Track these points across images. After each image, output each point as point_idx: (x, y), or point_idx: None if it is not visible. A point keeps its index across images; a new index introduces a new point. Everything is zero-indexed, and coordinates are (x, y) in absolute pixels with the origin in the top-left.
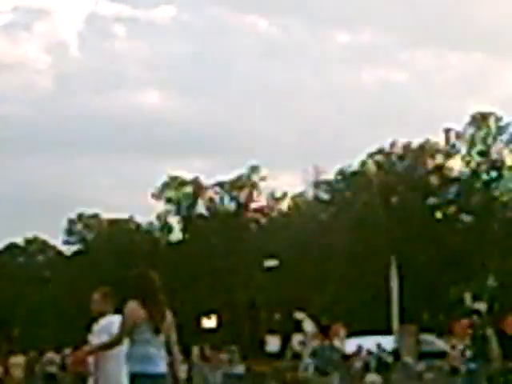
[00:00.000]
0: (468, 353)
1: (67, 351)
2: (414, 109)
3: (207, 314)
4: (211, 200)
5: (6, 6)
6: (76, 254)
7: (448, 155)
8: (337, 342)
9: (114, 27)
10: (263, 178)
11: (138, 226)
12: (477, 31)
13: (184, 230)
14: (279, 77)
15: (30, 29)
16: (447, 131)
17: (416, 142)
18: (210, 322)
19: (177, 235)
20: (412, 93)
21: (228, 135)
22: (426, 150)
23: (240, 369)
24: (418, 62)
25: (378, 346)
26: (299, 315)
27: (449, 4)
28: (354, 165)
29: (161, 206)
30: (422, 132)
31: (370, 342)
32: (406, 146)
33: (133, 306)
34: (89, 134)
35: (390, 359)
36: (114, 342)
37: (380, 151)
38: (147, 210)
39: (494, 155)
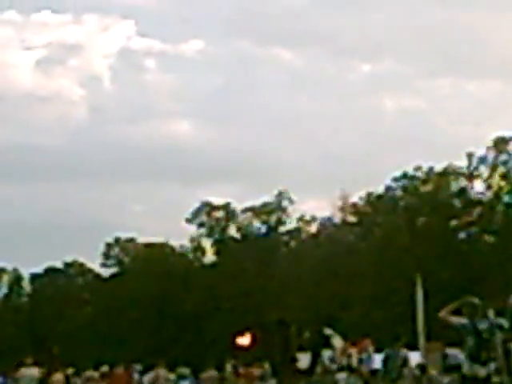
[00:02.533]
0: (491, 366)
1: (104, 368)
2: (435, 134)
3: (240, 333)
4: (242, 224)
5: (42, 41)
6: (113, 276)
7: (470, 178)
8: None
9: (144, 61)
10: (291, 202)
11: (173, 249)
12: (492, 59)
13: (217, 253)
14: (304, 105)
15: (65, 63)
16: (470, 155)
17: (439, 166)
18: (243, 340)
19: (210, 258)
20: (432, 119)
21: (256, 162)
22: (448, 173)
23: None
24: (437, 89)
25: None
26: (328, 331)
27: (464, 34)
28: (380, 189)
29: (194, 230)
30: (444, 156)
31: None
32: (430, 170)
33: None
34: (122, 162)
35: (417, 372)
36: None
37: (404, 175)
38: (181, 234)
39: None
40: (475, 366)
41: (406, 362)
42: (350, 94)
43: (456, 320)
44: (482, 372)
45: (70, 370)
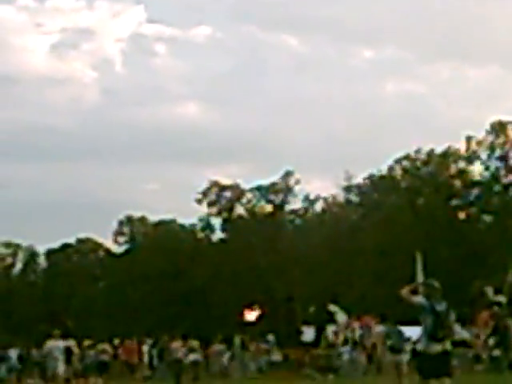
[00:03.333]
0: (491, 341)
1: (116, 342)
2: (436, 118)
3: (247, 306)
4: (250, 203)
5: (55, 26)
6: (125, 253)
7: (469, 160)
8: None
9: (154, 45)
10: (297, 182)
11: (182, 227)
12: (493, 44)
13: (225, 230)
14: (309, 89)
15: (78, 47)
16: (468, 138)
17: (439, 149)
18: (250, 316)
19: (218, 235)
20: (433, 103)
21: (263, 143)
22: (448, 155)
23: (278, 357)
24: (438, 74)
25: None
26: (332, 307)
27: (465, 20)
28: (382, 169)
29: (203, 209)
30: (445, 139)
31: None
32: (430, 152)
33: None
34: (133, 142)
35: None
36: None
37: (406, 157)
38: (190, 213)
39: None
40: (432, 343)
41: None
42: (353, 78)
43: (417, 299)
44: (438, 348)
45: (87, 342)
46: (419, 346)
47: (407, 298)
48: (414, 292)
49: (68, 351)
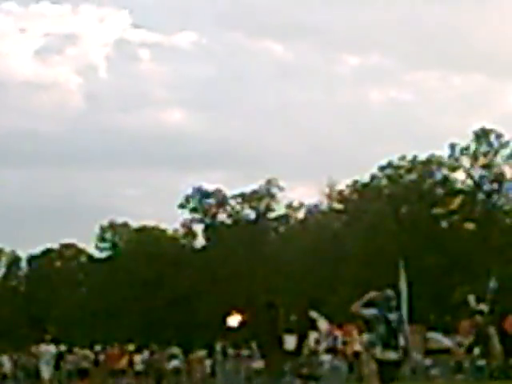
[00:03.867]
0: (476, 350)
1: (97, 348)
2: (419, 126)
3: (228, 313)
4: (233, 209)
5: (40, 31)
6: (107, 258)
7: (453, 168)
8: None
9: (139, 51)
10: (281, 189)
11: (165, 233)
12: (477, 53)
13: (207, 237)
14: (294, 96)
15: (62, 52)
16: (452, 146)
17: (423, 156)
18: (232, 321)
19: (201, 242)
20: (417, 111)
21: (246, 150)
22: (432, 163)
23: (260, 364)
24: (422, 82)
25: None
26: (314, 314)
27: (450, 28)
28: (365, 177)
29: (185, 215)
30: (428, 147)
31: None
32: (414, 160)
33: None
34: (117, 148)
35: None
36: None
37: (389, 164)
38: (173, 220)
39: (495, 168)
40: (386, 351)
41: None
42: (338, 86)
43: (367, 312)
44: (393, 356)
45: (63, 347)
46: (376, 354)
47: (357, 312)
48: (371, 304)
49: (59, 356)
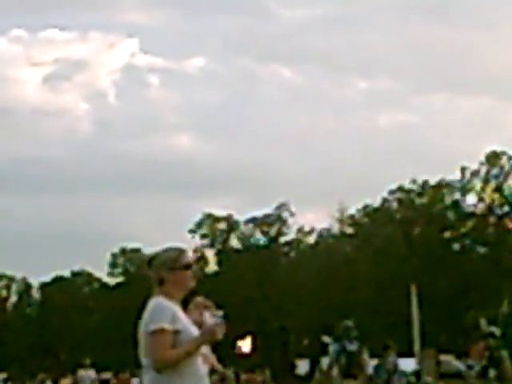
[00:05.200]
0: (491, 373)
1: (107, 375)
2: (429, 148)
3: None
4: (244, 235)
5: (48, 58)
6: (119, 285)
7: (464, 191)
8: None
9: (148, 77)
10: (292, 214)
11: None
12: (486, 76)
13: (219, 263)
14: (303, 121)
15: (71, 79)
16: (463, 169)
17: (434, 180)
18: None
19: (212, 267)
20: (427, 134)
21: (255, 174)
22: (443, 186)
23: None
24: (431, 105)
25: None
26: (326, 339)
27: (459, 52)
28: (377, 201)
29: (196, 241)
30: (439, 170)
31: None
32: (424, 184)
33: None
34: (127, 174)
35: (412, 379)
36: None
37: (400, 188)
38: (184, 245)
39: (506, 191)
40: (346, 380)
41: (395, 368)
42: (347, 110)
43: (331, 348)
44: None
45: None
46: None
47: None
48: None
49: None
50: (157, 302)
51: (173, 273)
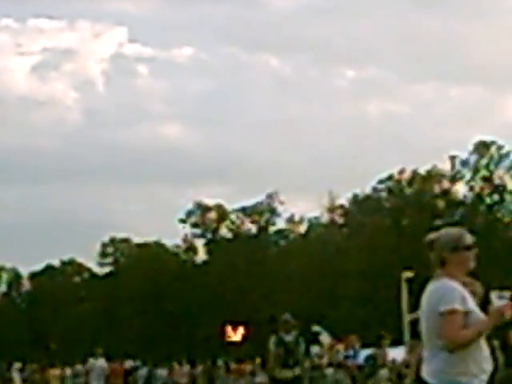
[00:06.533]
0: None
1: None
2: (418, 138)
3: (232, 327)
4: (234, 224)
5: (36, 47)
6: (108, 274)
7: (453, 180)
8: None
9: (136, 66)
10: (282, 203)
11: (166, 248)
12: (475, 65)
13: (209, 252)
14: (292, 109)
15: (59, 68)
16: (452, 158)
17: (423, 169)
18: (235, 335)
19: (202, 257)
20: (416, 123)
21: (245, 164)
22: (432, 175)
23: (262, 378)
24: (420, 94)
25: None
26: (316, 328)
27: (448, 40)
28: (366, 190)
29: (186, 230)
30: (428, 159)
31: None
32: (414, 173)
33: None
34: (116, 163)
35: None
36: None
37: (390, 177)
38: (174, 234)
39: (496, 180)
40: (284, 370)
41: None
42: (336, 99)
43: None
44: (289, 374)
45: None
46: (275, 373)
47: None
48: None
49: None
50: (444, 283)
51: (455, 253)
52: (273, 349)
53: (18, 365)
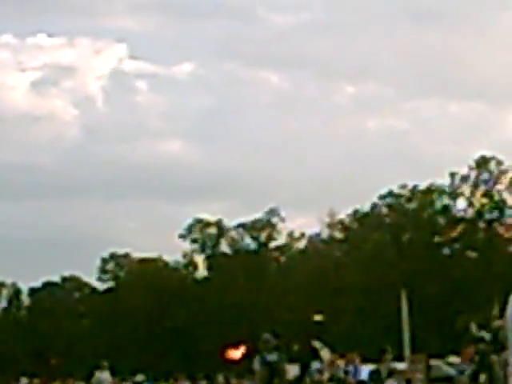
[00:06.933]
0: (482, 377)
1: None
2: (418, 154)
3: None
4: (234, 240)
5: (36, 63)
6: (108, 290)
7: (453, 196)
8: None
9: (136, 83)
10: (283, 220)
11: (166, 264)
12: (475, 81)
13: (209, 268)
14: (292, 126)
15: (59, 85)
16: (452, 174)
17: (423, 185)
18: (235, 353)
19: (202, 272)
20: (416, 139)
21: (246, 180)
22: (432, 191)
23: None
24: (420, 110)
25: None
26: (316, 344)
27: (448, 56)
28: (366, 206)
29: (187, 246)
30: (428, 175)
31: None
32: (414, 189)
33: None
34: (115, 179)
35: None
36: None
37: (390, 193)
38: (174, 250)
39: (496, 196)
40: None
41: (391, 373)
42: (336, 115)
43: (255, 366)
44: None
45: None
46: None
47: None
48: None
49: None
50: None
51: None
52: (258, 369)
53: (25, 380)
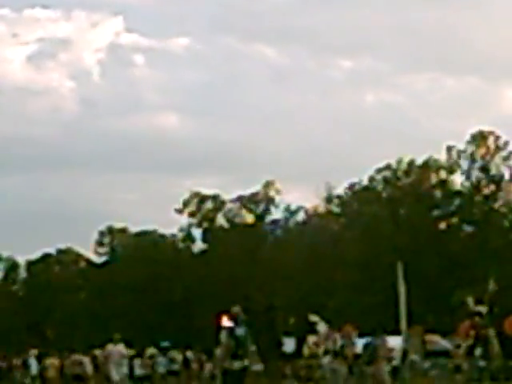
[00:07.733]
0: (478, 351)
1: (98, 352)
2: (416, 128)
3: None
4: (231, 213)
5: (32, 37)
6: (105, 263)
7: (450, 171)
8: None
9: (133, 56)
10: (278, 192)
11: (163, 237)
12: (472, 55)
13: (205, 241)
14: (288, 100)
15: (56, 58)
16: (449, 148)
17: (420, 159)
18: (228, 321)
19: (199, 246)
20: (413, 113)
21: (242, 153)
22: (429, 166)
23: (259, 367)
24: (417, 84)
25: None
26: (313, 317)
27: (445, 30)
28: (363, 180)
29: (183, 220)
30: (425, 149)
31: None
32: (411, 163)
33: None
34: (112, 153)
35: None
36: None
37: (387, 167)
38: (171, 224)
39: (493, 170)
40: (233, 361)
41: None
42: (333, 89)
43: (222, 336)
44: (237, 365)
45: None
46: (225, 364)
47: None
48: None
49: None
50: None
51: None
52: (224, 341)
53: (33, 351)
